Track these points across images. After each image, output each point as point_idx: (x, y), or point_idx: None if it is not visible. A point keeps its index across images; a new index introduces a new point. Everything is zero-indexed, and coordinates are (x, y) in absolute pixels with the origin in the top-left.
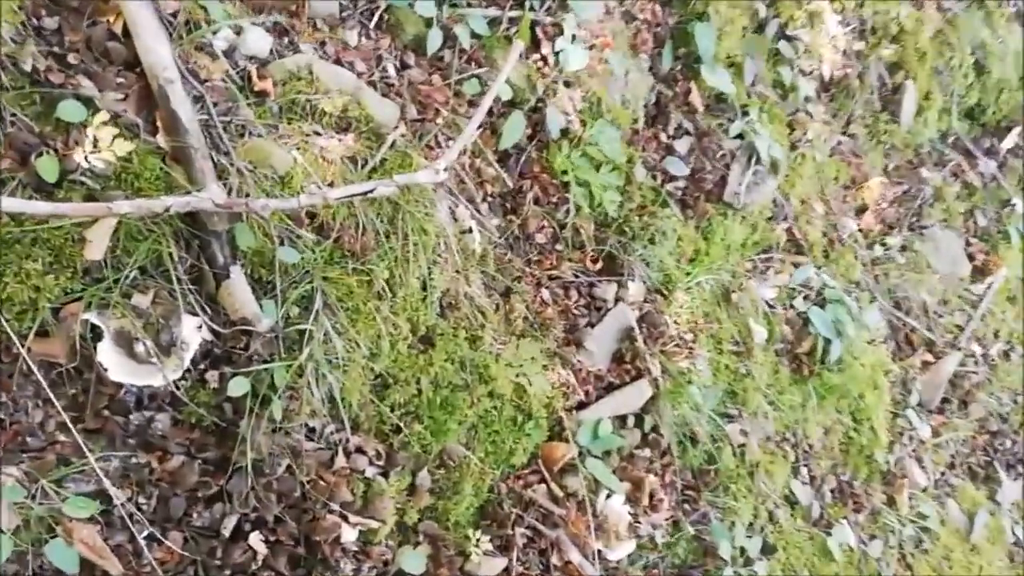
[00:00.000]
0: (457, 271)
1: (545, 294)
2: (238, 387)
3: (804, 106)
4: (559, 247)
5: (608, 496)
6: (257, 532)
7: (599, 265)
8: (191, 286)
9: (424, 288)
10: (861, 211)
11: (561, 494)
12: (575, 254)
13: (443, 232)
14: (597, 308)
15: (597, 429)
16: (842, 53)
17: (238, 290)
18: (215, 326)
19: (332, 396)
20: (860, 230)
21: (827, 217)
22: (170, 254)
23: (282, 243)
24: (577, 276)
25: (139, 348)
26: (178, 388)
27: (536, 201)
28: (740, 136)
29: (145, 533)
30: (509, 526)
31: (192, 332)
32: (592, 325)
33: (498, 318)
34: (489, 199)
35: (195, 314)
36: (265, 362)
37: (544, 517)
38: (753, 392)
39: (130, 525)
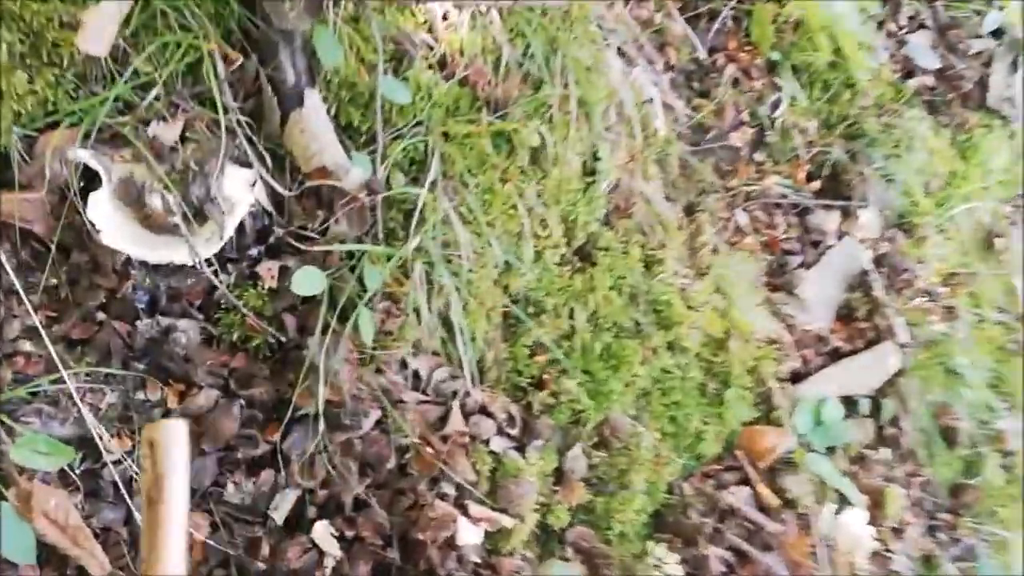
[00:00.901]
0: (632, 156)
1: (741, 217)
2: (308, 282)
3: None
4: (759, 156)
5: (838, 510)
6: (326, 521)
7: (817, 183)
8: (243, 118)
9: (588, 173)
10: None
11: (775, 502)
12: (783, 167)
13: (615, 95)
14: (813, 243)
15: (820, 412)
16: None
17: (314, 124)
18: (277, 186)
19: (447, 320)
20: None
21: None
22: (213, 64)
23: (385, 72)
24: (785, 196)
25: (154, 202)
26: (217, 279)
27: (734, 84)
28: (997, 33)
29: None
30: (700, 543)
31: (241, 189)
32: (806, 266)
33: (681, 239)
34: (673, 71)
35: (247, 165)
36: (350, 253)
37: (750, 534)
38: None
39: (127, 497)
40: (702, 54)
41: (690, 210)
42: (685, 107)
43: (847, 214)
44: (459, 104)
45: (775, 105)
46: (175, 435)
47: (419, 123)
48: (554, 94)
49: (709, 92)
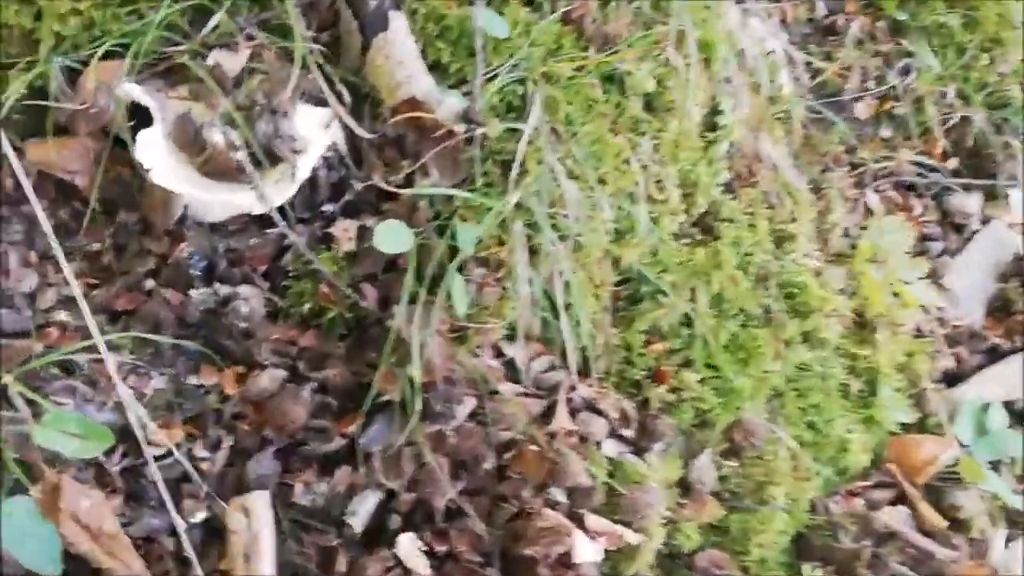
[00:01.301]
0: (757, 114)
1: (871, 198)
2: (392, 238)
3: None
4: (886, 131)
5: (1011, 538)
6: (413, 534)
7: (954, 161)
8: (318, 47)
9: (709, 128)
10: None
11: (940, 523)
12: (915, 141)
13: (735, 41)
14: (956, 227)
15: (983, 418)
16: None
17: (400, 49)
18: (356, 128)
19: (549, 297)
20: None
21: None
22: None
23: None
24: (921, 175)
25: (215, 137)
26: (290, 232)
27: (857, 46)
28: None
29: (202, 515)
30: (858, 571)
31: (314, 129)
32: (950, 253)
33: (812, 215)
34: (791, 28)
35: (322, 103)
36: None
37: (916, 561)
38: None
39: (173, 502)
40: (822, 10)
41: (816, 187)
42: (805, 69)
43: (992, 195)
44: (561, 43)
45: (904, 71)
46: (261, 500)
47: (516, 64)
48: (670, 31)
49: (829, 56)
